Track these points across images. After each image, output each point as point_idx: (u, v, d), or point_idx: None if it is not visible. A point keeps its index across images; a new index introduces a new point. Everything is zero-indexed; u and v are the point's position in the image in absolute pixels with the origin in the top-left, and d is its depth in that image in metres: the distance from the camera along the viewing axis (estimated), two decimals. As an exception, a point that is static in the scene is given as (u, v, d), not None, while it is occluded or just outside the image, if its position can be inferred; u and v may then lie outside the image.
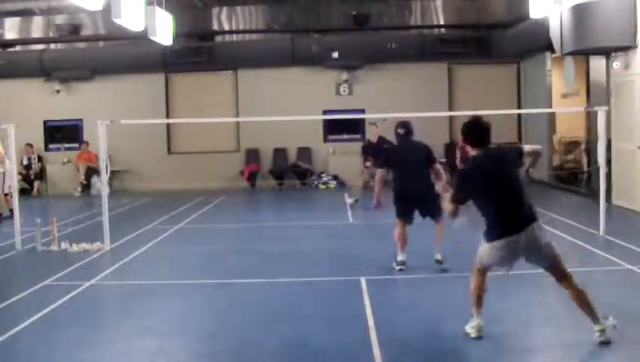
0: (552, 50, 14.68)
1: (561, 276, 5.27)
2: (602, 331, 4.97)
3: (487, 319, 5.53)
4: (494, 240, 5.08)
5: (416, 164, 7.52)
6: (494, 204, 5.14)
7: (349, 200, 13.85)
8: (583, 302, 5.09)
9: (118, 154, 17.30)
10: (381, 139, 14.02)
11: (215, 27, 19.04)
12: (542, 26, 13.72)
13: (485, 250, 5.18)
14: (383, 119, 13.78)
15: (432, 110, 15.36)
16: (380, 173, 7.78)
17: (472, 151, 5.33)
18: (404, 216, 7.57)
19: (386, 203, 7.71)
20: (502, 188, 5.18)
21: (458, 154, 14.47)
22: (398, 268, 7.47)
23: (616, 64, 12.21)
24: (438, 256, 7.51)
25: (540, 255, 5.22)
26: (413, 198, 7.49)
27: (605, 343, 4.92)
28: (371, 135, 15.02)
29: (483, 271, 5.31)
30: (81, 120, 18.77)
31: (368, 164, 14.97)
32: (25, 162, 18.19)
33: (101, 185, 10.09)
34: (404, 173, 7.58)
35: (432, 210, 7.39)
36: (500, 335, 5.30)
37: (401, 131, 7.78)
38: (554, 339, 5.29)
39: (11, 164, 10.34)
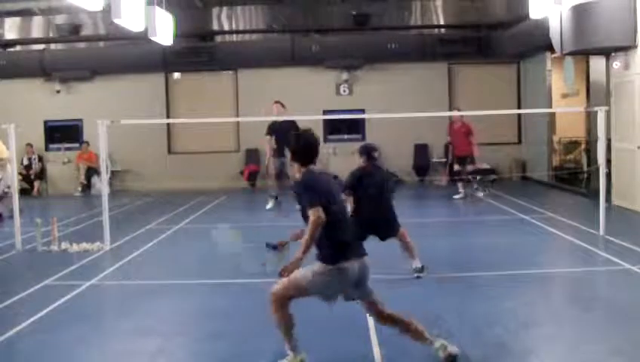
0: (552, 50, 14.67)
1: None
2: (443, 346, 4.68)
3: (487, 319, 5.53)
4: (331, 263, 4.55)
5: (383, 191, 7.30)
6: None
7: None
8: (416, 333, 4.74)
9: (118, 154, 17.30)
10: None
11: (215, 27, 19.04)
12: (542, 26, 13.72)
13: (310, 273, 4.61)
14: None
15: (432, 110, 15.35)
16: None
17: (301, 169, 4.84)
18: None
19: None
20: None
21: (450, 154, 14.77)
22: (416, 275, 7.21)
23: (616, 64, 12.21)
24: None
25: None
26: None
27: (452, 356, 4.63)
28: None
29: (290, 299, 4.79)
30: (81, 120, 18.77)
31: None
32: (25, 162, 18.20)
33: (101, 185, 10.08)
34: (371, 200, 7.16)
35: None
36: (499, 336, 5.30)
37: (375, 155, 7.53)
38: (554, 339, 5.28)
39: (11, 165, 10.34)
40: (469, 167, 14.38)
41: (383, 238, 7.09)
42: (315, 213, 4.45)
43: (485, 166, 18.13)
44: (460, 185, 14.43)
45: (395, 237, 7.20)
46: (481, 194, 14.34)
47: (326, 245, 4.60)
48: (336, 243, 4.61)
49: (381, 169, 7.59)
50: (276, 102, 13.86)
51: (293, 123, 12.94)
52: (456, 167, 14.63)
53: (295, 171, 4.85)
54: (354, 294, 4.80)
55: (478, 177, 14.83)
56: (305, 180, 4.79)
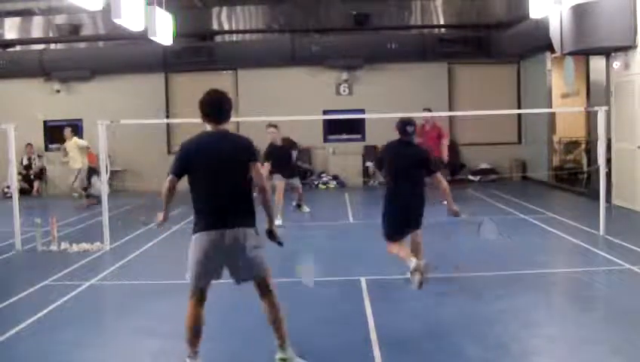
0: (552, 50, 14.68)
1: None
2: (284, 360, 4.65)
3: (487, 319, 5.54)
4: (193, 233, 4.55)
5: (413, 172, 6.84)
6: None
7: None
8: (276, 321, 4.73)
9: (117, 154, 17.31)
10: (288, 141, 13.20)
11: (215, 27, 19.04)
12: (542, 26, 13.72)
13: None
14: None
15: (432, 110, 15.31)
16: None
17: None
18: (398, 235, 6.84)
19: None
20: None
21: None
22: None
23: (616, 64, 12.21)
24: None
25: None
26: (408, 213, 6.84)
27: None
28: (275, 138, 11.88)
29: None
30: (81, 120, 18.76)
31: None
32: (25, 162, 18.20)
33: (101, 185, 10.08)
34: (399, 182, 6.84)
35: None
36: (499, 336, 5.30)
37: (409, 129, 6.94)
38: (554, 339, 5.28)
39: (11, 165, 10.33)
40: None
41: (411, 226, 6.79)
42: (166, 181, 4.89)
43: (485, 166, 18.18)
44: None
45: (416, 229, 6.84)
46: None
47: (194, 215, 4.69)
48: (197, 213, 4.70)
49: (413, 145, 7.08)
50: (269, 126, 11.93)
51: (289, 141, 13.25)
52: None
53: None
54: (232, 271, 4.76)
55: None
56: (181, 145, 4.94)
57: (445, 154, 13.21)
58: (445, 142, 13.36)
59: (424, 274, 6.36)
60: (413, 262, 6.42)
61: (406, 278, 6.70)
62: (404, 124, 6.94)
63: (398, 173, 6.84)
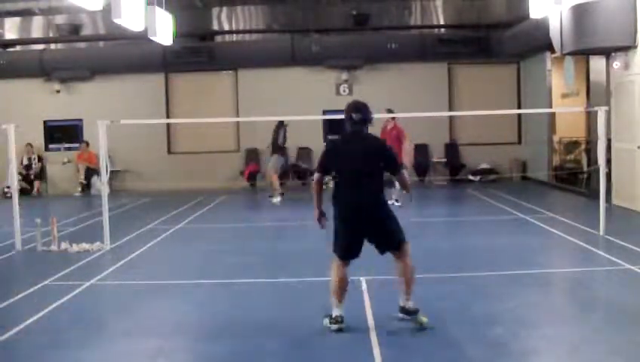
0: (552, 50, 14.68)
1: None
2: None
3: (487, 319, 5.54)
4: None
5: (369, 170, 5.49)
6: None
7: None
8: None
9: (118, 154, 17.32)
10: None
11: (215, 27, 19.04)
12: (542, 26, 13.73)
13: None
14: None
15: (432, 110, 15.35)
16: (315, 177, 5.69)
17: None
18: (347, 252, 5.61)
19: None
20: None
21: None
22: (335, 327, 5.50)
23: (616, 64, 12.21)
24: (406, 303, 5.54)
25: None
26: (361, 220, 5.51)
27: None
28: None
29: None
30: (81, 120, 18.77)
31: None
32: (25, 162, 18.20)
33: (101, 185, 10.09)
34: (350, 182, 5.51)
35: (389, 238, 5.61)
36: (499, 336, 5.29)
37: (356, 117, 5.52)
38: (554, 340, 5.28)
39: (11, 165, 10.33)
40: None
41: (382, 247, 5.67)
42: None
43: (485, 166, 18.17)
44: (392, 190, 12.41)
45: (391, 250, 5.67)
46: (399, 204, 12.10)
47: None
48: None
49: (365, 138, 5.62)
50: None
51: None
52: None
53: None
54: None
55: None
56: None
57: (407, 159, 12.35)
58: (407, 145, 12.66)
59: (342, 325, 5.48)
60: (336, 309, 5.54)
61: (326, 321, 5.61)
62: (350, 110, 5.55)
63: (346, 176, 5.51)
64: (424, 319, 5.46)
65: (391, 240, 5.55)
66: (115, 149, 16.31)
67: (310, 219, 6.05)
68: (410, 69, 18.29)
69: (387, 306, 6.17)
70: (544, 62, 16.61)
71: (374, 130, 6.09)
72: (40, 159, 18.69)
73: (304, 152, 18.58)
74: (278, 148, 14.82)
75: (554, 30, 13.11)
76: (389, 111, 13.00)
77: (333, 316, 5.53)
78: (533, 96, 17.58)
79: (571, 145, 16.92)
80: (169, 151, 19.14)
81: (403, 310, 5.53)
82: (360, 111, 5.53)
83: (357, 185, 5.44)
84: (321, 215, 5.73)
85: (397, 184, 12.62)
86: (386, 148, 5.78)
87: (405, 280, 5.50)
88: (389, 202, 12.17)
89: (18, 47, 19.30)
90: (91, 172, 17.67)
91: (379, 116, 12.71)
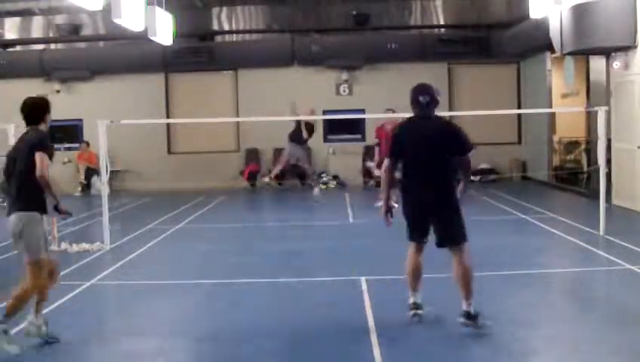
0: (552, 50, 14.68)
1: None
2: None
3: (487, 319, 5.53)
4: None
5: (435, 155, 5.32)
6: None
7: None
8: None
9: (118, 154, 17.29)
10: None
11: (215, 27, 19.04)
12: (542, 26, 13.73)
13: None
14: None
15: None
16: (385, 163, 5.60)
17: None
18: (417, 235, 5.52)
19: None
20: None
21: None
22: (412, 313, 5.56)
23: (616, 64, 12.21)
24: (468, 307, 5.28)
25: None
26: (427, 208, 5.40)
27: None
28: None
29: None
30: (81, 120, 18.77)
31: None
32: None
33: (101, 185, 10.09)
34: (418, 169, 5.38)
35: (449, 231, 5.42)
36: (499, 335, 5.29)
37: (423, 99, 5.41)
38: (554, 339, 5.28)
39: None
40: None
41: (443, 241, 5.43)
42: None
43: (485, 166, 18.17)
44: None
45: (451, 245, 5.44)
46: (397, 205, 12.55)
47: None
48: None
49: (432, 120, 5.49)
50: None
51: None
52: (377, 172, 12.71)
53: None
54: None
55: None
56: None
57: None
58: None
59: (418, 311, 5.53)
60: (411, 301, 5.57)
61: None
62: (416, 93, 5.48)
63: (414, 162, 5.38)
64: (487, 323, 5.21)
65: (452, 235, 5.38)
66: (115, 149, 16.26)
67: (310, 219, 6.04)
68: (410, 69, 18.24)
69: (387, 306, 6.18)
70: (544, 62, 16.61)
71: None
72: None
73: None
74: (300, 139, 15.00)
75: (554, 30, 13.11)
76: (391, 111, 12.99)
77: (410, 302, 5.58)
78: (533, 96, 17.58)
79: (571, 145, 16.93)
80: (169, 151, 19.14)
81: (466, 315, 5.22)
82: (427, 94, 5.46)
83: (426, 172, 5.31)
84: (388, 210, 5.50)
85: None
86: (456, 129, 5.61)
87: (464, 282, 5.26)
88: (377, 204, 12.04)
89: (18, 47, 19.31)
90: (91, 172, 17.66)
91: (379, 116, 12.79)
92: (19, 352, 5.00)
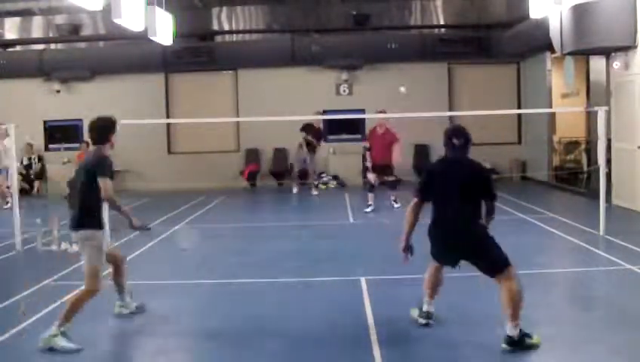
0: (552, 50, 14.68)
1: None
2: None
3: (487, 319, 5.55)
4: None
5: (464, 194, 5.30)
6: None
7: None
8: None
9: (118, 154, 17.28)
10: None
11: (215, 27, 19.05)
12: (542, 26, 13.72)
13: None
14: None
15: (432, 110, 15.33)
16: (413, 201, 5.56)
17: None
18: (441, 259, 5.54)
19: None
20: None
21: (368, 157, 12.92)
22: (424, 321, 5.64)
23: (616, 64, 12.21)
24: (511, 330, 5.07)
25: None
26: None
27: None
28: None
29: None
30: (81, 120, 18.73)
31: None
32: (25, 162, 18.20)
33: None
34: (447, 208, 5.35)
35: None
36: (499, 335, 5.29)
37: (457, 142, 5.41)
38: (554, 339, 5.28)
39: (11, 164, 10.34)
40: (391, 177, 12.65)
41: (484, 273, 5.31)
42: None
43: (485, 166, 18.17)
44: (370, 196, 12.60)
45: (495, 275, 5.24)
46: (398, 205, 12.44)
47: None
48: None
49: (465, 162, 5.44)
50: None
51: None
52: (370, 176, 12.68)
53: None
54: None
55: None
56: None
57: (396, 159, 12.48)
58: (398, 147, 12.54)
59: (430, 321, 5.61)
60: (427, 305, 5.64)
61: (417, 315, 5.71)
62: (449, 136, 5.47)
63: (442, 201, 5.36)
64: (534, 341, 5.03)
65: (489, 265, 5.22)
66: (115, 149, 16.26)
67: (310, 219, 6.04)
68: (410, 69, 18.28)
69: (387, 306, 6.18)
70: (544, 62, 16.61)
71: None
72: (40, 159, 18.70)
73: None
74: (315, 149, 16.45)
75: (554, 30, 13.11)
76: (382, 112, 12.69)
77: (423, 310, 5.61)
78: (533, 96, 17.58)
79: (571, 145, 16.93)
80: (169, 151, 19.15)
81: (508, 340, 5.00)
82: (462, 136, 5.45)
83: (453, 211, 5.26)
84: (407, 248, 5.41)
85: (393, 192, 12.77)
86: (485, 173, 5.61)
87: (513, 305, 5.04)
88: (367, 209, 12.05)
89: (18, 47, 19.32)
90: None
91: (379, 116, 12.79)
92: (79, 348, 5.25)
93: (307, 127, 16.11)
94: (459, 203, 5.23)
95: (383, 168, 12.59)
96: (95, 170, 5.48)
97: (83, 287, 5.57)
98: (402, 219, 5.52)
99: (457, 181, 5.30)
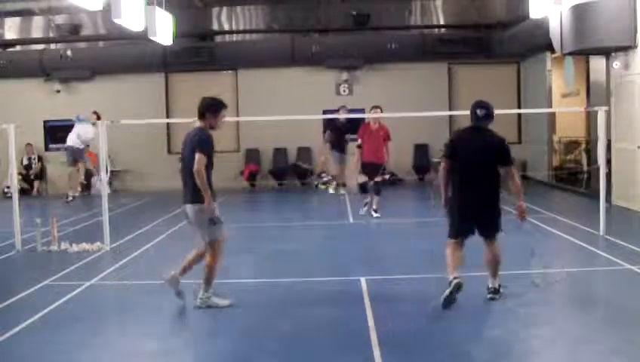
0: (552, 50, 14.68)
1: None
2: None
3: (488, 319, 5.56)
4: None
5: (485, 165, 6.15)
6: None
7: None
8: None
9: (118, 154, 17.31)
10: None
11: (215, 27, 19.04)
12: (542, 26, 13.72)
13: None
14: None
15: (432, 110, 15.33)
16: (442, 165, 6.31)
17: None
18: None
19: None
20: None
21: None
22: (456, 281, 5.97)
23: (616, 64, 12.21)
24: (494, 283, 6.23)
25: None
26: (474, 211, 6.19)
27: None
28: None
29: None
30: (81, 120, 18.76)
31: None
32: (25, 162, 18.19)
33: (101, 185, 10.08)
34: (468, 174, 6.15)
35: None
36: (499, 336, 5.30)
37: (480, 113, 6.27)
38: (554, 339, 5.28)
39: (11, 165, 10.34)
40: (379, 178, 11.81)
41: (482, 233, 6.15)
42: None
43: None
44: (364, 196, 12.24)
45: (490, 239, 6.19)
46: (377, 214, 11.73)
47: None
48: None
49: (484, 131, 6.30)
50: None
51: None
52: (360, 178, 12.05)
53: None
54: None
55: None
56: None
57: (386, 158, 11.96)
58: (389, 146, 12.01)
59: (453, 295, 5.86)
60: (452, 278, 5.92)
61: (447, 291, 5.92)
62: (473, 107, 6.30)
63: (463, 165, 6.10)
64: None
65: (492, 230, 6.18)
66: (115, 149, 16.32)
67: (310, 219, 6.07)
68: (410, 69, 18.28)
69: (387, 306, 6.18)
70: (544, 62, 16.61)
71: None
72: (40, 159, 18.69)
73: (304, 152, 18.58)
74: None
75: (554, 30, 13.11)
76: (377, 108, 12.23)
77: (451, 278, 5.97)
78: (533, 96, 17.58)
79: (571, 145, 16.93)
80: (169, 151, 19.13)
81: (492, 290, 6.16)
82: (484, 108, 6.30)
83: (475, 177, 6.09)
84: (447, 201, 6.24)
85: (376, 197, 12.29)
86: (504, 143, 6.36)
87: (493, 265, 6.18)
88: (362, 210, 12.02)
89: (18, 47, 19.29)
90: (91, 172, 17.65)
91: (378, 116, 12.77)
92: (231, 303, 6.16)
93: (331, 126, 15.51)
94: (480, 167, 6.05)
95: (375, 168, 11.79)
96: (194, 146, 6.00)
97: (208, 258, 6.22)
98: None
99: (479, 146, 6.10)
